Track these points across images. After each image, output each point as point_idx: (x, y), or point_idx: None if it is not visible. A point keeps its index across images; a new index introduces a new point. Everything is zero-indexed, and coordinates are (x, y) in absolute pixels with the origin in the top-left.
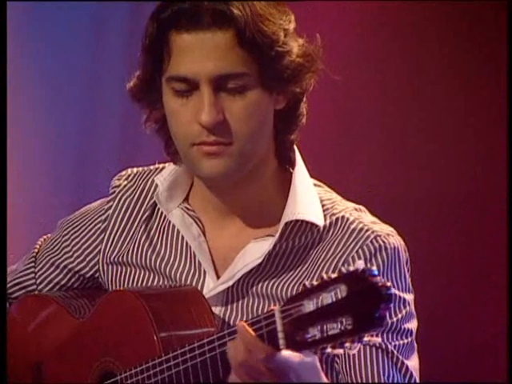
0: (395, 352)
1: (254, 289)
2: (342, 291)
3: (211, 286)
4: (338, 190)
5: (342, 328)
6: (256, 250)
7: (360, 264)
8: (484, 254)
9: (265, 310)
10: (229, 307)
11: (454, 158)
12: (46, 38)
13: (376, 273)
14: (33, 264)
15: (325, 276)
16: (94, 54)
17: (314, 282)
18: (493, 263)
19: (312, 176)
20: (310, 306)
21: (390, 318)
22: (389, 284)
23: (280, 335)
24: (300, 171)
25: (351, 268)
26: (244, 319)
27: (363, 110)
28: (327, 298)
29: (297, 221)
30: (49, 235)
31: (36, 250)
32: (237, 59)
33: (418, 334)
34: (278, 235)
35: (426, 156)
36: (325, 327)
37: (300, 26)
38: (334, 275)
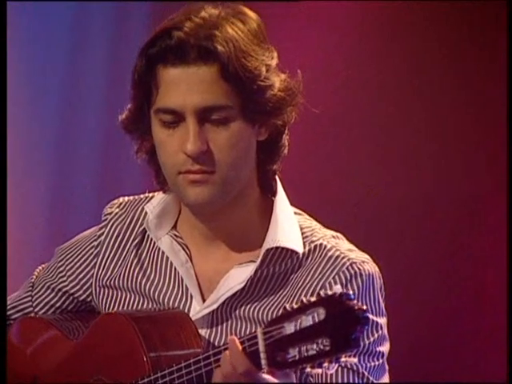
0: (366, 373)
1: (237, 312)
2: (320, 314)
3: (197, 309)
4: (338, 189)
5: (320, 349)
6: (239, 275)
7: (338, 288)
8: (484, 253)
9: (247, 333)
10: (214, 329)
11: (454, 158)
12: (29, 42)
13: (353, 297)
14: (30, 289)
15: (304, 299)
16: (78, 55)
17: (295, 305)
18: (492, 261)
19: (311, 175)
20: (290, 328)
21: (363, 340)
22: (365, 307)
23: (262, 355)
24: (281, 200)
25: (329, 292)
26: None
27: (363, 110)
28: (306, 320)
29: (277, 248)
30: (46, 264)
31: (34, 277)
32: (221, 92)
33: (420, 334)
34: (259, 261)
35: (426, 156)
36: (304, 348)
37: (302, 26)
38: (313, 299)
